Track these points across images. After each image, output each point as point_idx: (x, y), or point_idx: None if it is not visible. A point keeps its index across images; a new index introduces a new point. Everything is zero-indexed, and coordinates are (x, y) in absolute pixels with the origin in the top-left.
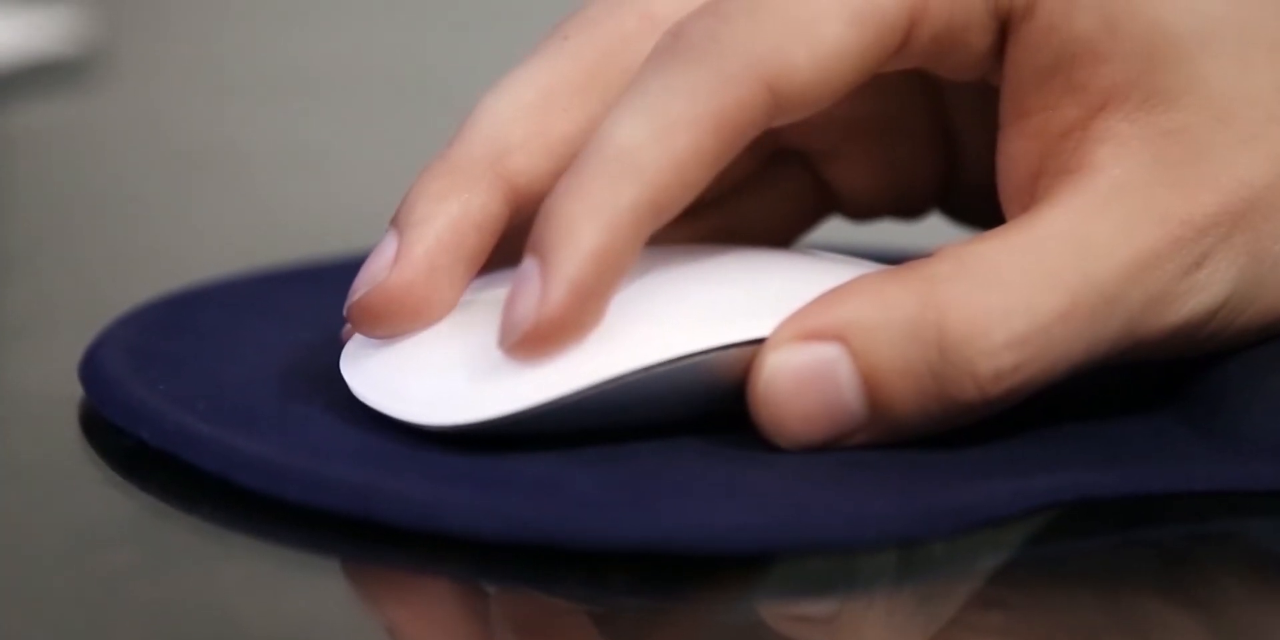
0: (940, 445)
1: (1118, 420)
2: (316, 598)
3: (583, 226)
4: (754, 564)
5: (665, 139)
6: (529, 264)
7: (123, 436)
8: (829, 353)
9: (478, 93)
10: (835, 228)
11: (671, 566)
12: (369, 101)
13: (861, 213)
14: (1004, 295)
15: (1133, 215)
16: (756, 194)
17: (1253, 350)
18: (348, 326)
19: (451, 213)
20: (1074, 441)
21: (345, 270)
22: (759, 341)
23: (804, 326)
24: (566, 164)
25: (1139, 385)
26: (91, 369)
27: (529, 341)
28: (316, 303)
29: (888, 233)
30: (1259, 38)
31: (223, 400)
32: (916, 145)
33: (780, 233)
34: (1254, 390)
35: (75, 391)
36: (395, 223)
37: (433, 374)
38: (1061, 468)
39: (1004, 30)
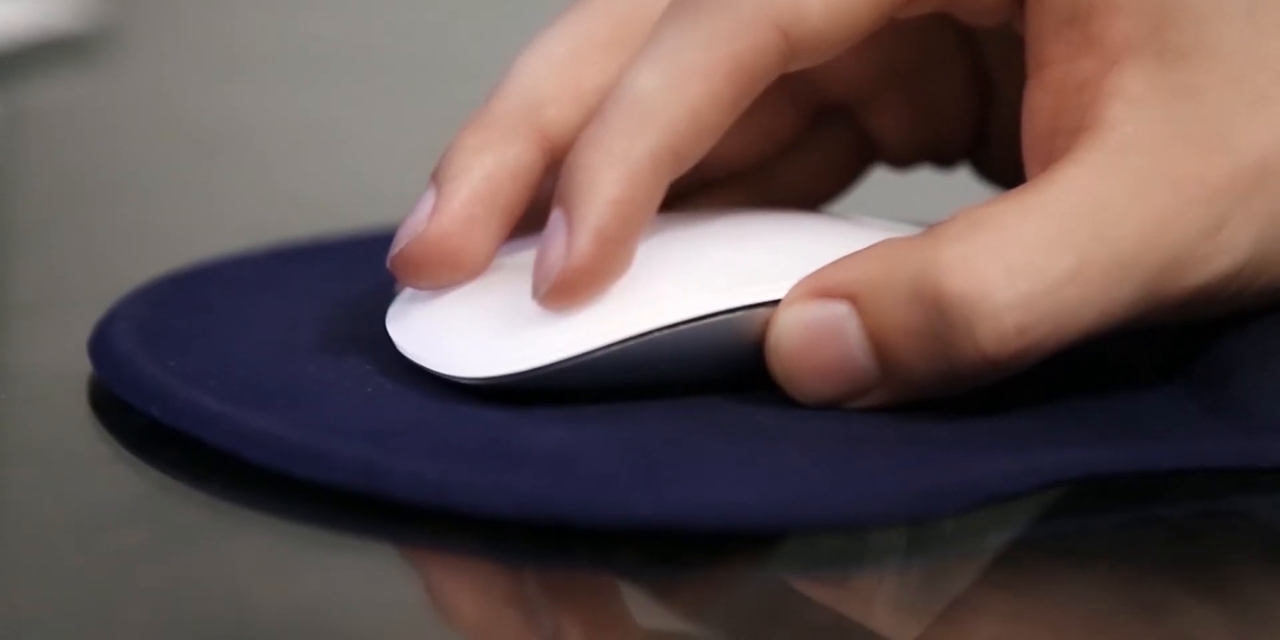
0: (950, 421)
1: (1127, 397)
2: (328, 575)
3: (603, 176)
4: (763, 541)
5: (680, 86)
6: (555, 216)
7: (133, 414)
8: (838, 310)
9: (488, 71)
10: (882, 199)
11: (681, 543)
12: (378, 80)
13: (900, 159)
14: (1010, 255)
15: (1146, 175)
16: (803, 153)
17: (1261, 326)
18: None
19: (487, 165)
20: (1084, 418)
21: (354, 247)
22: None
23: (817, 285)
24: None
25: (1148, 361)
26: (101, 346)
27: (559, 290)
28: (326, 280)
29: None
30: (1270, 1)
31: (233, 377)
32: (953, 91)
33: (824, 184)
34: (1263, 367)
35: (85, 369)
36: (434, 177)
37: (468, 330)
38: (1071, 445)
39: None
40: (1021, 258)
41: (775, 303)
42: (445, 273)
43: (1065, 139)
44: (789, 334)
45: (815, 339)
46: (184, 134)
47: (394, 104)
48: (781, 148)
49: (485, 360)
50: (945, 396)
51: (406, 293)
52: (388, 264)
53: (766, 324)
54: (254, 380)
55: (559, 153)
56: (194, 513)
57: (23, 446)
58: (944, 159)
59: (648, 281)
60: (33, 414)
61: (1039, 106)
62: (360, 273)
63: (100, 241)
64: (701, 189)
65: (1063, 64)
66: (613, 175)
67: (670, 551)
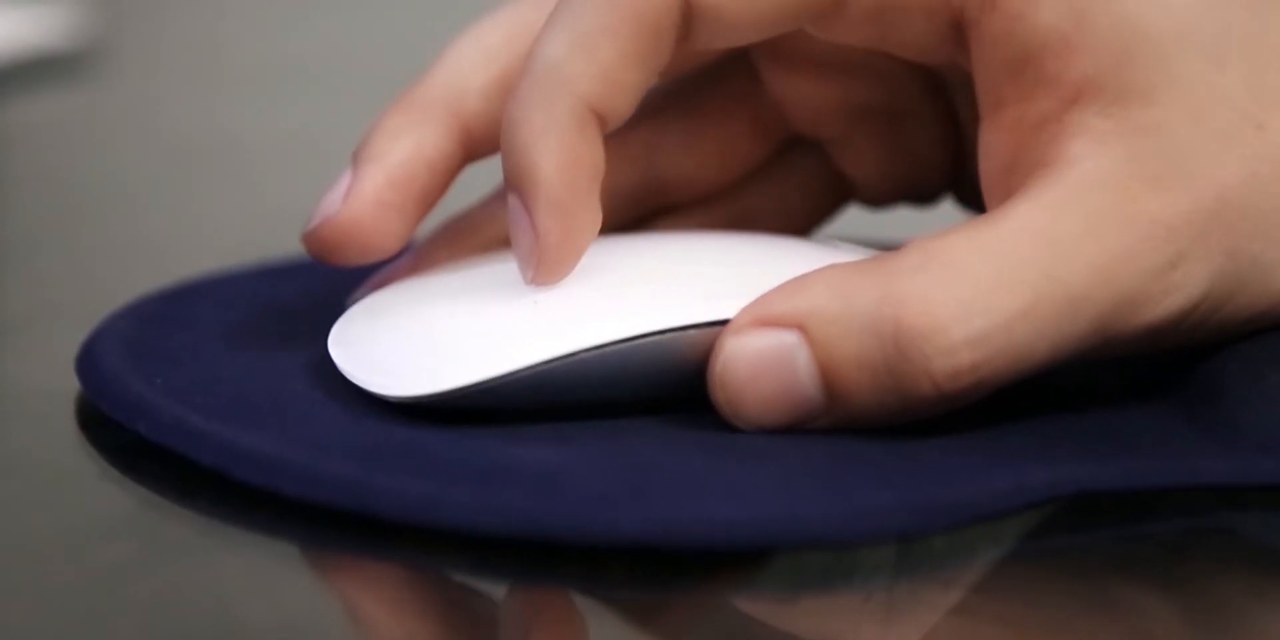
0: (939, 439)
1: (1116, 414)
2: (314, 592)
3: (538, 151)
4: (752, 558)
5: (588, 49)
6: (512, 202)
7: (120, 430)
8: (787, 340)
9: None
10: (849, 219)
11: (670, 560)
12: (367, 94)
13: (876, 199)
14: (964, 292)
15: (1103, 213)
16: (771, 182)
17: (1249, 345)
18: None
19: (404, 150)
20: (1073, 435)
21: None
22: (721, 323)
23: (765, 312)
24: None
25: (1138, 378)
26: (88, 363)
27: (544, 269)
28: (314, 297)
29: (901, 223)
30: (1231, 37)
31: (220, 394)
32: (925, 132)
33: (797, 219)
34: (1252, 384)
35: (72, 386)
36: (354, 157)
37: (401, 348)
38: (1060, 462)
39: (960, 20)
40: (976, 294)
41: (708, 325)
42: (354, 255)
43: (1024, 176)
44: (735, 363)
45: (762, 368)
46: (173, 149)
47: None
48: (746, 172)
49: (413, 379)
50: (888, 425)
51: (351, 311)
52: (300, 240)
53: (702, 345)
54: (241, 397)
55: (477, 144)
56: (181, 529)
57: (9, 462)
58: (921, 199)
59: (580, 301)
60: (20, 430)
61: (996, 145)
62: (348, 290)
63: (89, 257)
64: (668, 212)
65: (1018, 104)
66: (545, 147)
67: (659, 569)
